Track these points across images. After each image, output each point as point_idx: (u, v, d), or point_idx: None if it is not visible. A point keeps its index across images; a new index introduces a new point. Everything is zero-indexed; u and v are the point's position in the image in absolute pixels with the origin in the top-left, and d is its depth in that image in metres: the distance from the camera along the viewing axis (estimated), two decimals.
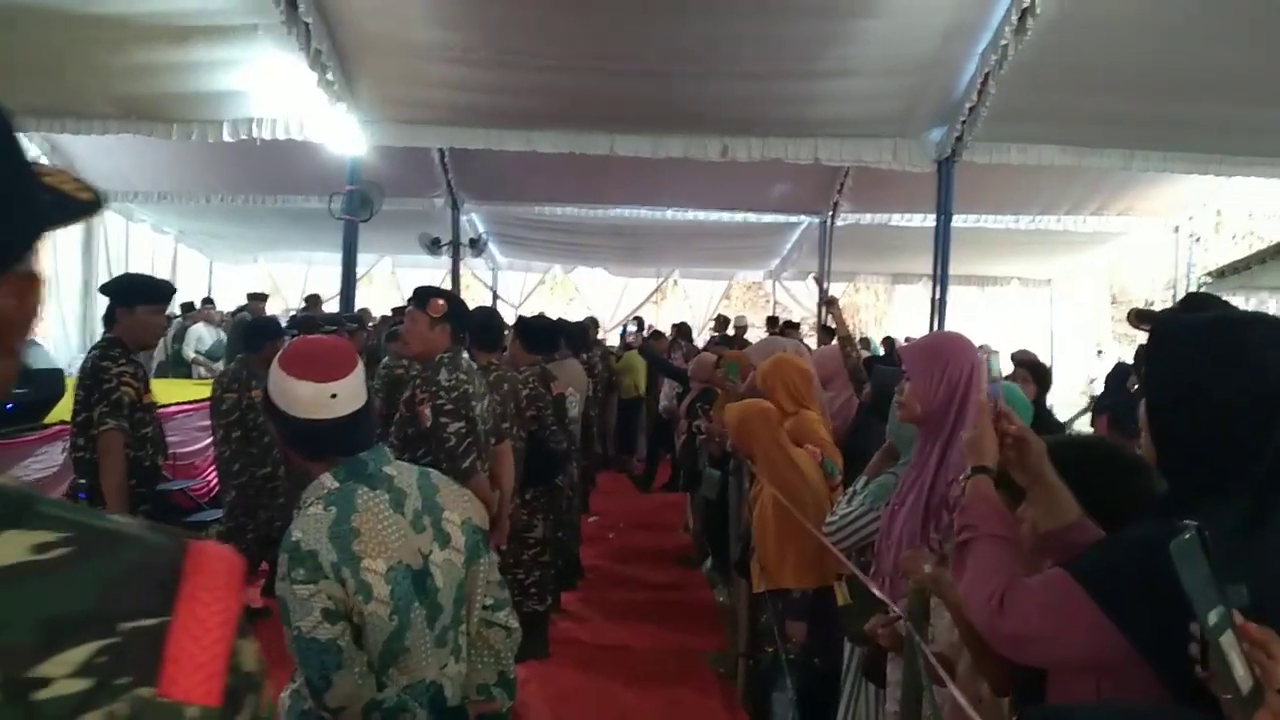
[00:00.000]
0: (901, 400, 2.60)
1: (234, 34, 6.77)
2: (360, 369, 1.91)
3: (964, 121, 7.27)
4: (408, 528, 1.86)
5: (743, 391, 4.24)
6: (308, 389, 1.82)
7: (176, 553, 0.64)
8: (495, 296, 14.80)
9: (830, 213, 11.17)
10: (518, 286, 15.83)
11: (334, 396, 1.82)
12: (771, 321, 11.86)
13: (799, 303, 15.31)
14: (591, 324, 10.01)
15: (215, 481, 5.74)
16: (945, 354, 2.54)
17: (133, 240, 11.58)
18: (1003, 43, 6.22)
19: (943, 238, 8.09)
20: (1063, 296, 14.31)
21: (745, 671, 4.37)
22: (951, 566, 1.83)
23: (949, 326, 7.87)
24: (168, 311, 5.07)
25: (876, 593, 2.37)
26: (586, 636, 5.24)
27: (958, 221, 8.36)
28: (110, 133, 7.70)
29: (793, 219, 12.09)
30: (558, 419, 4.84)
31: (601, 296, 16.04)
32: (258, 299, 10.59)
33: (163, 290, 3.95)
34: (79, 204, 0.71)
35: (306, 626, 1.72)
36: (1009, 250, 12.31)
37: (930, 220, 8.49)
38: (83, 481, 3.64)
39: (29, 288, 0.66)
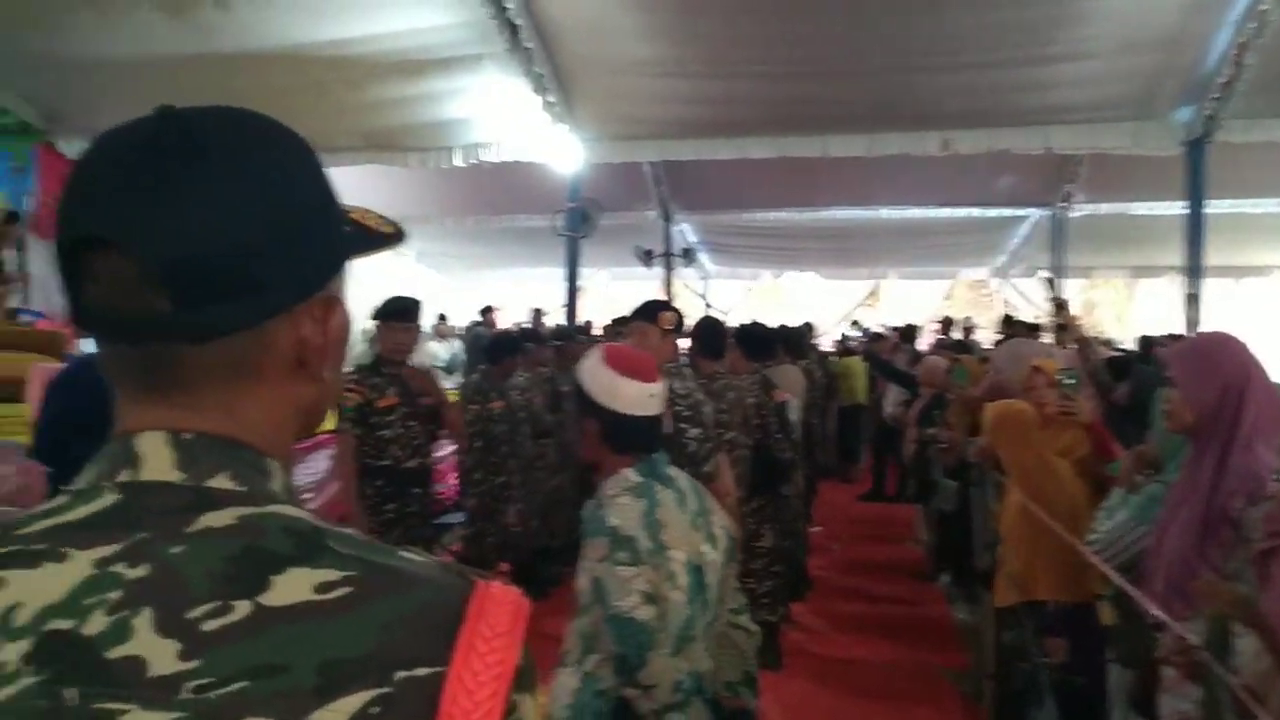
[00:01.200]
0: (1169, 409, 2.39)
1: (462, 64, 7.19)
2: (663, 379, 2.10)
3: (1216, 98, 6.63)
4: (688, 525, 1.97)
5: (984, 394, 4.01)
6: (634, 387, 1.99)
7: (461, 595, 0.61)
8: (706, 305, 14.89)
9: (1062, 204, 10.47)
10: (728, 294, 15.87)
11: (652, 396, 2.01)
12: (1007, 322, 11.22)
13: (1029, 301, 14.41)
14: (808, 329, 9.86)
15: (457, 487, 6.08)
16: (1216, 357, 2.35)
17: (376, 261, 12.52)
18: (1262, 7, 5.61)
19: (1195, 226, 7.40)
20: None
21: (994, 691, 4.12)
22: (1256, 580, 1.64)
23: (1204, 323, 7.18)
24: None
25: (1157, 615, 2.16)
26: (818, 649, 5.12)
27: (1210, 207, 7.61)
28: (356, 164, 8.35)
29: (1020, 212, 11.47)
30: (781, 427, 4.77)
31: (813, 301, 15.79)
32: (488, 312, 11.17)
33: (410, 309, 4.21)
34: (380, 236, 0.73)
35: (627, 606, 1.80)
36: (1272, 236, 11.09)
37: (1177, 207, 7.78)
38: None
39: (329, 314, 0.67)
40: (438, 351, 11.04)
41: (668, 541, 1.88)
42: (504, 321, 12.51)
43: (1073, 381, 3.84)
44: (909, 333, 10.09)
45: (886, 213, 11.21)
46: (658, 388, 2.03)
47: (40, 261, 9.49)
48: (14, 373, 6.05)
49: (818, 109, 7.53)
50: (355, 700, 0.55)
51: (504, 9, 6.39)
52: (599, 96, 7.69)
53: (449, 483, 6.34)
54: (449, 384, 7.69)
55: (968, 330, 11.26)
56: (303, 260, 0.64)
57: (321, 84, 7.26)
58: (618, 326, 9.44)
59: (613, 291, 16.09)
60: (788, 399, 5.35)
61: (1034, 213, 11.36)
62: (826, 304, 15.57)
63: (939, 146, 7.61)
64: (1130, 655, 2.67)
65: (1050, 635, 3.27)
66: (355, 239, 0.70)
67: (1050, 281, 7.33)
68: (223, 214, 0.60)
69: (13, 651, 0.55)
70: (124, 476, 0.61)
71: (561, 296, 9.23)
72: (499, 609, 0.61)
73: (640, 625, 1.80)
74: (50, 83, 8.32)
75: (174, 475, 0.61)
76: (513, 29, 6.62)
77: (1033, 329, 10.38)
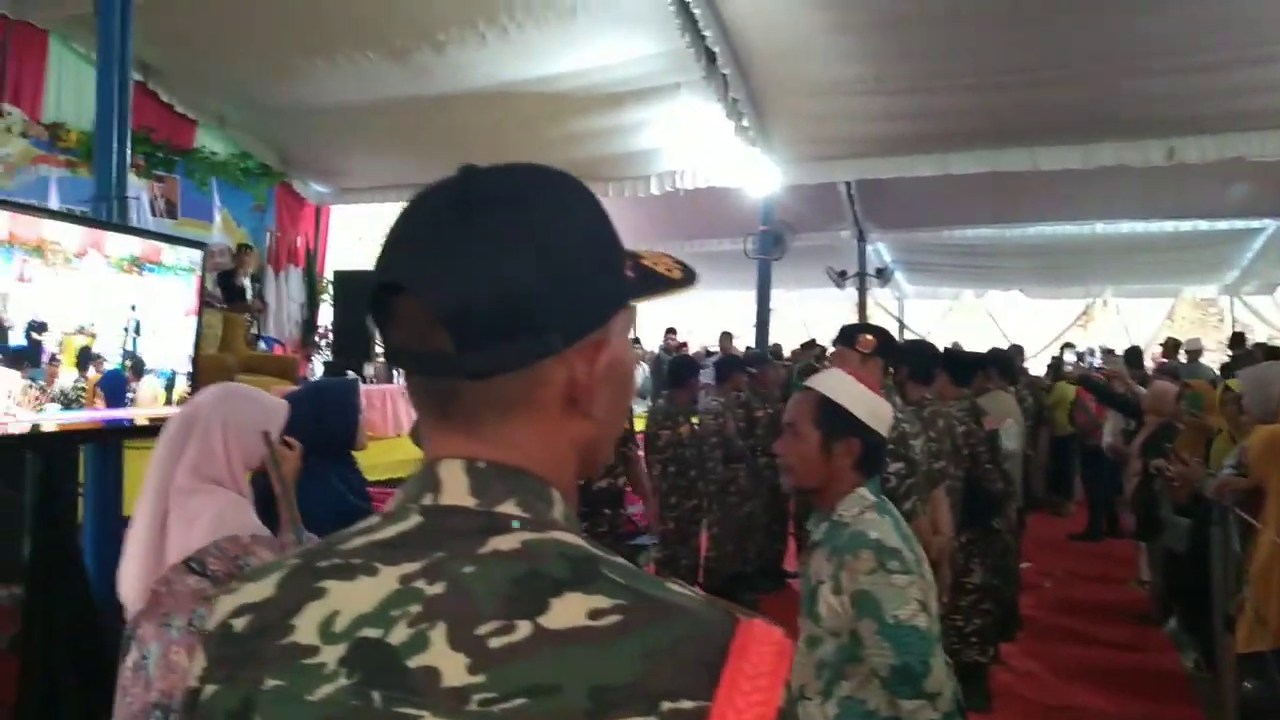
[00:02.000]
0: None
1: (659, 94, 7.35)
2: None
3: None
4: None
5: (1247, 420, 3.66)
6: (888, 409, 2.01)
7: (725, 631, 0.61)
8: (901, 326, 14.46)
9: None
10: (925, 314, 15.34)
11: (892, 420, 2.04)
12: (1237, 342, 10.24)
13: (1265, 321, 13.14)
14: (1018, 352, 9.36)
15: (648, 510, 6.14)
16: None
17: None
18: None
19: None
20: None
21: None
22: None
23: None
24: None
25: None
26: (1031, 693, 4.82)
27: None
28: None
29: (1254, 224, 10.48)
30: (992, 457, 4.55)
31: (1017, 321, 15.00)
32: (671, 335, 11.30)
33: None
34: (665, 280, 0.75)
35: (906, 614, 1.79)
36: None
37: None
38: (583, 509, 4.09)
39: (599, 355, 0.69)
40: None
41: (920, 555, 1.88)
42: (692, 345, 12.63)
43: None
44: (1134, 356, 9.37)
45: (1102, 228, 10.51)
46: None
47: (275, 293, 10.45)
48: None
49: (1027, 119, 7.20)
50: None
51: (702, 37, 6.49)
52: (794, 118, 7.66)
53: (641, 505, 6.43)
54: (638, 408, 7.84)
55: (1194, 353, 10.35)
56: (575, 306, 0.67)
57: (529, 118, 7.61)
58: (807, 350, 9.35)
59: (803, 313, 15.93)
60: (1004, 425, 5.10)
61: (1270, 224, 10.36)
62: (1032, 325, 14.74)
63: (1163, 156, 7.09)
64: None
65: None
66: (637, 284, 0.73)
67: None
68: (500, 264, 0.64)
69: (331, 654, 0.62)
70: (427, 500, 0.67)
71: (751, 319, 9.20)
72: (762, 648, 0.61)
73: (922, 633, 1.78)
74: (287, 129, 9.15)
75: (469, 500, 0.66)
76: (710, 56, 6.71)
77: (1272, 352, 9.45)
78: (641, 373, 11.36)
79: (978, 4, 6.00)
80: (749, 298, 9.40)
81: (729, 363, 6.04)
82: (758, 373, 6.26)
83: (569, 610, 0.60)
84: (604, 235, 0.71)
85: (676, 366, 6.02)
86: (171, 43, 6.90)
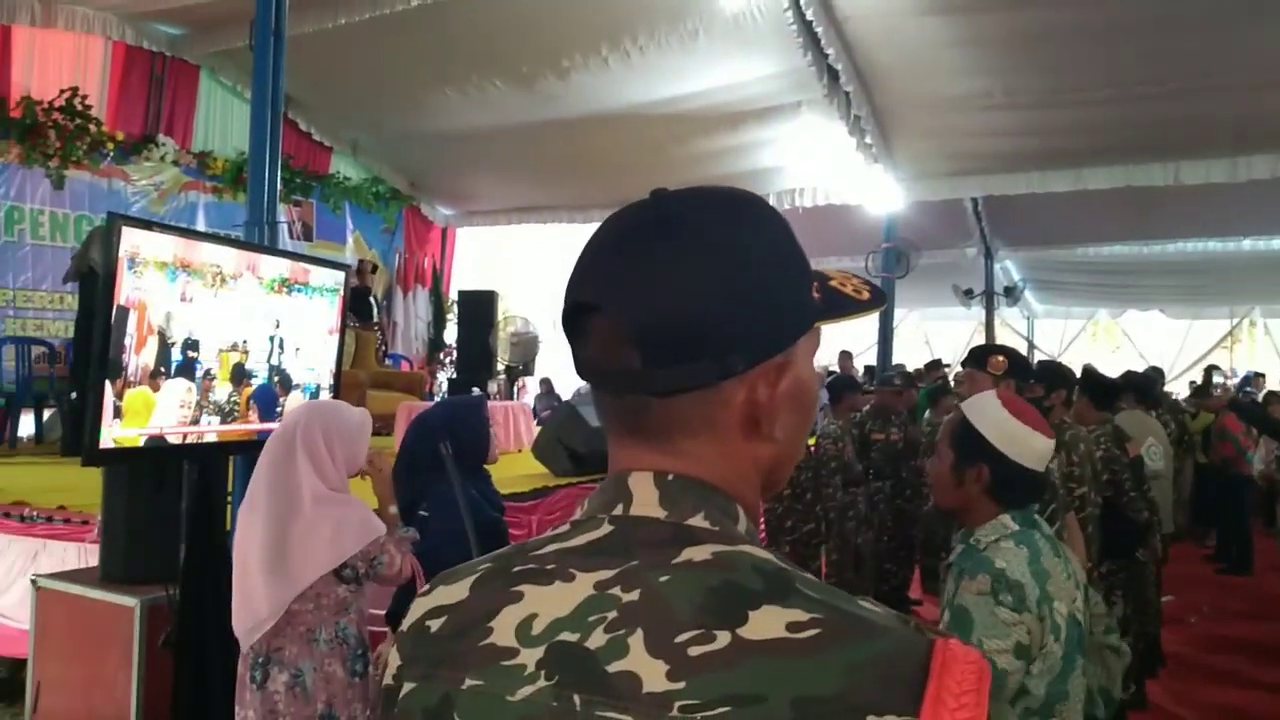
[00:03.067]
0: None
1: (780, 113, 7.35)
2: None
3: None
4: (1064, 576, 1.86)
5: None
6: (1040, 441, 1.92)
7: (924, 649, 0.61)
8: (1031, 346, 13.95)
9: None
10: (1056, 334, 14.74)
11: (1049, 451, 1.95)
12: None
13: None
14: (1159, 375, 8.89)
15: (766, 533, 6.08)
16: None
17: None
18: None
19: None
20: None
21: None
22: None
23: None
24: None
25: None
26: None
27: None
28: None
29: None
30: (1135, 483, 4.33)
31: (1156, 343, 14.25)
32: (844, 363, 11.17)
33: None
34: (852, 302, 0.76)
35: (995, 648, 1.74)
36: None
37: None
38: None
39: (781, 377, 0.70)
40: None
41: (1053, 593, 1.79)
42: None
43: None
44: None
45: (1250, 244, 9.92)
46: (1051, 445, 1.94)
47: (403, 312, 10.86)
48: (387, 409, 6.93)
49: (1168, 132, 6.88)
50: None
51: (824, 55, 6.45)
52: (918, 134, 7.53)
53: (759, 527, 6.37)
54: None
55: None
56: (759, 329, 0.68)
57: (651, 140, 7.71)
58: (932, 370, 9.11)
59: (925, 331, 15.54)
60: (1147, 447, 4.86)
61: None
62: (1171, 346, 13.98)
63: None
64: None
65: None
66: (824, 306, 0.73)
67: None
68: (687, 285, 0.66)
69: (530, 657, 0.64)
70: (618, 510, 0.69)
71: (871, 338, 9.04)
72: (964, 666, 0.60)
73: (1000, 671, 1.71)
74: (415, 154, 9.53)
75: (659, 512, 0.68)
76: (833, 74, 6.66)
77: None
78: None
79: (1107, 18, 5.79)
80: (870, 317, 9.24)
81: (842, 384, 5.91)
82: (883, 394, 6.12)
83: (767, 622, 0.61)
84: (791, 257, 0.72)
85: (835, 386, 5.95)
86: (310, 74, 7.28)
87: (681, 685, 0.59)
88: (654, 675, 0.60)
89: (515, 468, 6.15)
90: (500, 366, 8.18)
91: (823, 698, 0.58)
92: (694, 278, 0.66)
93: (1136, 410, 5.60)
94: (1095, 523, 3.79)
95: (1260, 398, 9.04)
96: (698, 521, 0.67)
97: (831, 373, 9.05)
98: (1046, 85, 6.60)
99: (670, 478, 0.69)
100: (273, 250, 3.75)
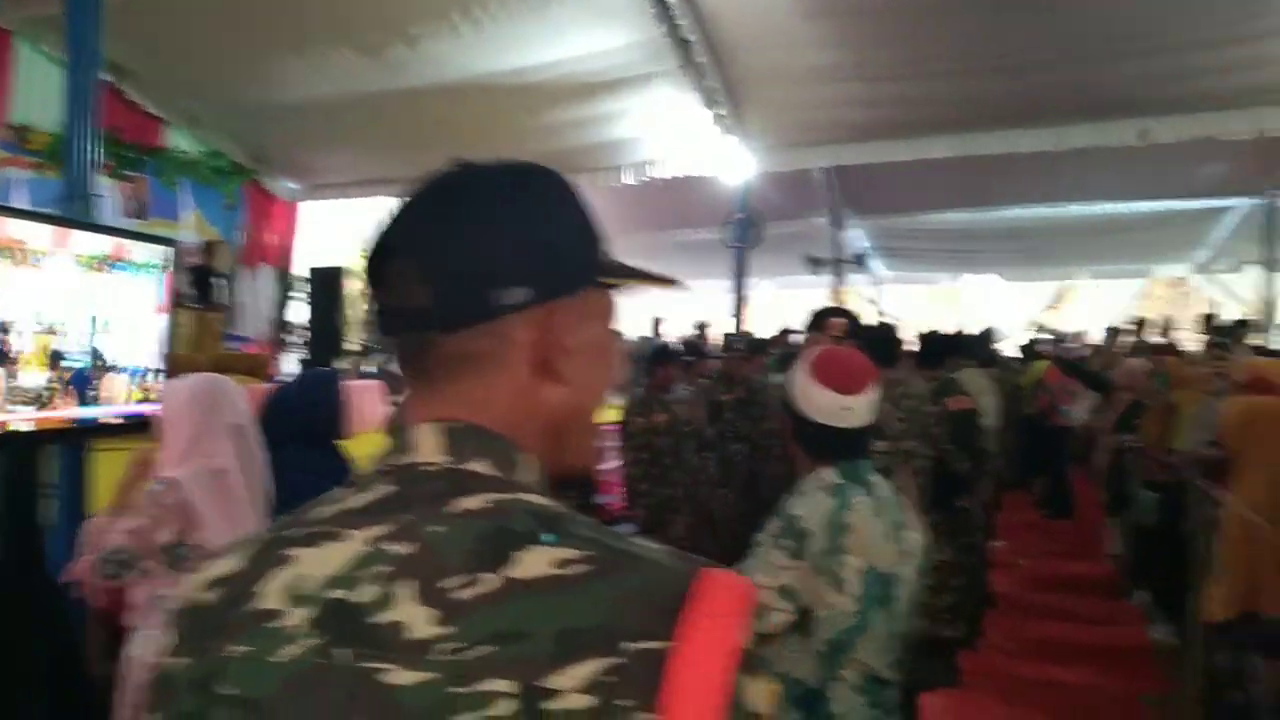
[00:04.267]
0: None
1: (633, 84, 7.35)
2: (875, 389, 2.00)
3: None
4: (883, 535, 1.93)
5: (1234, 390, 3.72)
6: (827, 397, 1.95)
7: (688, 578, 0.64)
8: (879, 311, 14.54)
9: (1275, 191, 9.60)
10: (902, 299, 15.42)
11: (847, 409, 1.94)
12: (1208, 321, 10.37)
13: (1236, 298, 13.28)
14: (989, 334, 9.42)
15: (626, 498, 6.17)
16: None
17: None
18: None
19: None
20: None
21: (1202, 719, 3.82)
22: None
23: None
24: None
25: None
26: (1006, 668, 4.90)
27: None
28: None
29: (1225, 203, 10.59)
30: (959, 437, 4.57)
31: (994, 305, 15.10)
32: (657, 323, 11.32)
33: None
34: (644, 274, 0.82)
35: (759, 583, 1.81)
36: None
37: None
38: None
39: (576, 324, 0.75)
40: None
41: (847, 546, 1.86)
42: (670, 334, 12.66)
43: None
44: (1111, 335, 9.46)
45: (1075, 209, 10.59)
46: (855, 401, 1.95)
47: (247, 291, 10.38)
48: None
49: (1002, 104, 7.24)
50: (588, 667, 0.59)
51: (676, 26, 6.50)
52: (771, 106, 7.68)
53: (619, 494, 6.46)
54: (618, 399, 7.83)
55: (1166, 330, 10.48)
56: (547, 270, 0.73)
57: (503, 111, 7.59)
58: (781, 339, 9.38)
59: (780, 301, 15.98)
60: (977, 405, 5.14)
61: (1241, 203, 10.48)
62: (1009, 308, 14.85)
63: (1136, 136, 7.14)
64: None
65: (1268, 658, 3.01)
66: (615, 267, 0.80)
67: None
68: (479, 230, 0.72)
69: (299, 617, 0.66)
70: (401, 463, 0.72)
71: (729, 308, 9.24)
72: (724, 591, 0.64)
73: (761, 606, 1.81)
74: (258, 126, 9.09)
75: (440, 463, 0.70)
76: (685, 45, 6.72)
77: (1240, 326, 9.57)
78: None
79: None
80: (727, 286, 9.41)
81: (658, 355, 6.00)
82: (728, 359, 6.26)
83: (536, 561, 0.63)
84: (583, 220, 0.78)
85: (651, 356, 6.04)
86: (142, 42, 6.84)
87: (448, 629, 0.62)
88: (420, 622, 0.62)
89: (364, 447, 6.02)
90: (353, 345, 7.96)
91: (585, 629, 0.61)
92: (485, 224, 0.72)
93: (971, 368, 5.92)
94: (926, 475, 4.01)
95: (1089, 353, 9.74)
96: (478, 469, 0.70)
97: (688, 343, 9.21)
98: (892, 58, 6.83)
99: (453, 426, 0.71)
100: (86, 225, 3.52)
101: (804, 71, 7.06)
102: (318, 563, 0.67)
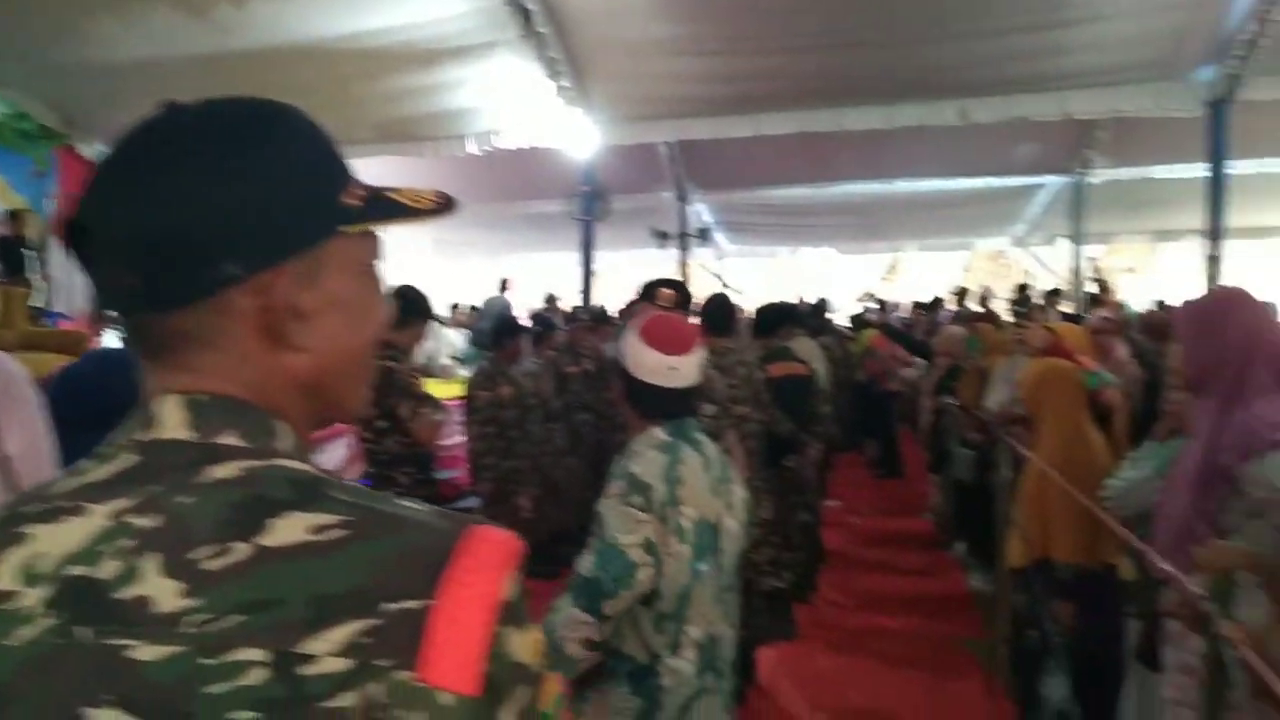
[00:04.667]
0: (1174, 365, 2.42)
1: (475, 52, 7.22)
2: (700, 351, 2.11)
3: (1240, 56, 6.52)
4: (710, 489, 2.02)
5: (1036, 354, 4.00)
6: (654, 357, 2.04)
7: (453, 537, 0.64)
8: (723, 284, 14.90)
9: (1082, 169, 10.37)
10: (744, 272, 15.86)
11: (673, 369, 2.04)
12: (1022, 291, 11.16)
13: (1049, 269, 14.33)
14: (824, 304, 9.83)
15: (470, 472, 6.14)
16: (1220, 315, 2.35)
17: (396, 250, 12.62)
18: None
19: (1216, 188, 7.31)
20: None
21: (1008, 658, 4.15)
22: None
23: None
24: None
25: (1163, 567, 2.19)
26: (836, 620, 5.18)
27: (1233, 169, 7.52)
28: (369, 156, 8.37)
29: (1039, 180, 11.36)
30: (788, 401, 4.74)
31: (831, 277, 15.75)
32: (505, 286, 11.24)
33: (431, 311, 4.33)
34: (404, 208, 0.74)
35: (625, 542, 1.88)
36: None
37: (1199, 169, 7.69)
38: (371, 470, 4.01)
39: (302, 284, 0.68)
40: (455, 341, 11.07)
41: (682, 497, 1.94)
42: (519, 305, 12.59)
43: None
44: (934, 304, 10.04)
45: (904, 185, 11.12)
46: (680, 361, 2.05)
47: (62, 264, 9.66)
48: (39, 372, 6.19)
49: (834, 82, 7.49)
50: (344, 630, 0.59)
51: None
52: (613, 78, 7.69)
53: (464, 468, 6.42)
54: (464, 372, 7.75)
55: (985, 300, 11.21)
56: (259, 232, 0.66)
57: (339, 77, 7.32)
58: (630, 310, 9.49)
59: (630, 274, 16.13)
60: (810, 370, 5.34)
61: (1053, 180, 11.26)
62: (845, 279, 15.51)
63: (956, 116, 7.54)
64: (1143, 609, 2.70)
65: (1061, 599, 3.30)
66: (360, 211, 0.72)
67: (1095, 264, 7.35)
68: (174, 194, 0.64)
69: (34, 597, 0.62)
70: (143, 436, 0.67)
71: (578, 281, 9.27)
72: (487, 546, 0.64)
73: (630, 562, 1.86)
74: (70, 87, 8.43)
75: (186, 434, 0.66)
76: (525, 14, 6.64)
77: (1055, 294, 10.34)
78: (465, 339, 11.21)
79: None
80: (577, 259, 9.42)
81: (505, 328, 6.01)
82: (574, 331, 6.32)
83: (290, 528, 0.62)
84: (308, 164, 0.70)
85: (498, 328, 6.00)
86: None
87: (195, 601, 0.59)
88: (166, 595, 0.60)
89: None
90: None
91: (340, 593, 0.60)
92: (182, 186, 0.65)
93: (803, 337, 6.16)
94: (757, 438, 4.17)
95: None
96: (229, 440, 0.66)
97: (537, 315, 9.18)
98: (727, 33, 6.95)
99: (197, 397, 0.67)
100: None
101: (645, 45, 7.11)
102: (55, 539, 0.63)
